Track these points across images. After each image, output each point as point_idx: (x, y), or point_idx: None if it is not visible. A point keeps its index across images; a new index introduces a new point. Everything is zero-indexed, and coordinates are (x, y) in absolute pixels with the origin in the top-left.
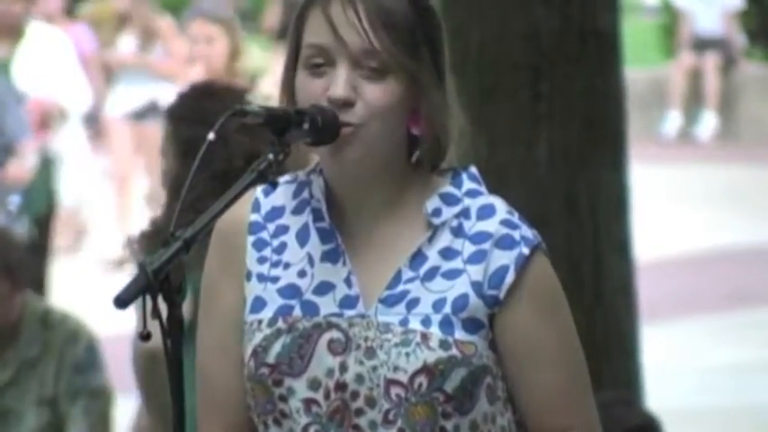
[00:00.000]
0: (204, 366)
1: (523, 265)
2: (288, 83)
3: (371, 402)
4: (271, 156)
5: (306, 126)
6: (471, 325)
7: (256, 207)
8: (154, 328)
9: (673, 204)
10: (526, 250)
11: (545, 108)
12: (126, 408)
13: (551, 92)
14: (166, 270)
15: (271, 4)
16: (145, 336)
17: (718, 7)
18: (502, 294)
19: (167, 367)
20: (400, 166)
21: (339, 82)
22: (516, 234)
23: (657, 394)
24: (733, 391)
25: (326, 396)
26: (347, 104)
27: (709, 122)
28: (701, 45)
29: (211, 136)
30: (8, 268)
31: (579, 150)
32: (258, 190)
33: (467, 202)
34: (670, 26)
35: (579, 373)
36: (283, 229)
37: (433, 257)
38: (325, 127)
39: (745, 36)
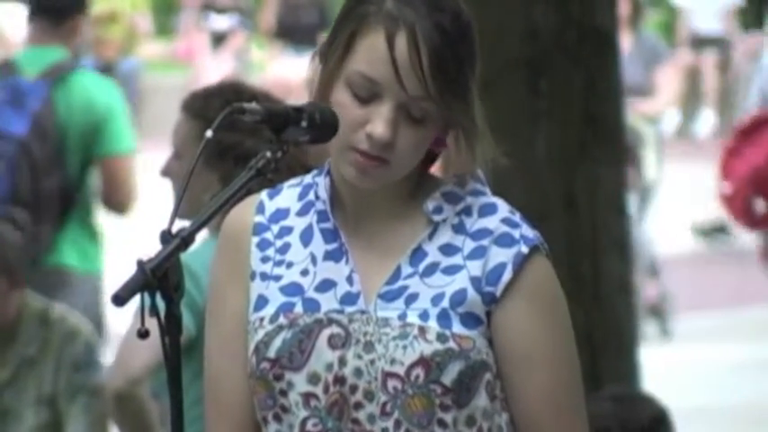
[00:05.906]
0: (212, 370)
1: (521, 263)
2: (327, 85)
3: (370, 396)
4: (269, 154)
5: (304, 124)
6: (469, 320)
7: (261, 209)
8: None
9: (671, 202)
10: (525, 249)
11: (544, 105)
12: None
13: (550, 89)
14: (164, 268)
15: (269, 3)
16: (143, 333)
17: (716, 5)
18: (498, 292)
19: (165, 366)
20: (412, 175)
21: (383, 121)
22: (516, 233)
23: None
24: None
25: (326, 390)
26: (386, 145)
27: (707, 120)
28: (700, 43)
29: (209, 134)
30: (6, 266)
31: (578, 147)
32: (263, 193)
33: (469, 200)
34: (669, 24)
35: (572, 378)
36: (287, 231)
37: (432, 253)
38: (323, 125)
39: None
